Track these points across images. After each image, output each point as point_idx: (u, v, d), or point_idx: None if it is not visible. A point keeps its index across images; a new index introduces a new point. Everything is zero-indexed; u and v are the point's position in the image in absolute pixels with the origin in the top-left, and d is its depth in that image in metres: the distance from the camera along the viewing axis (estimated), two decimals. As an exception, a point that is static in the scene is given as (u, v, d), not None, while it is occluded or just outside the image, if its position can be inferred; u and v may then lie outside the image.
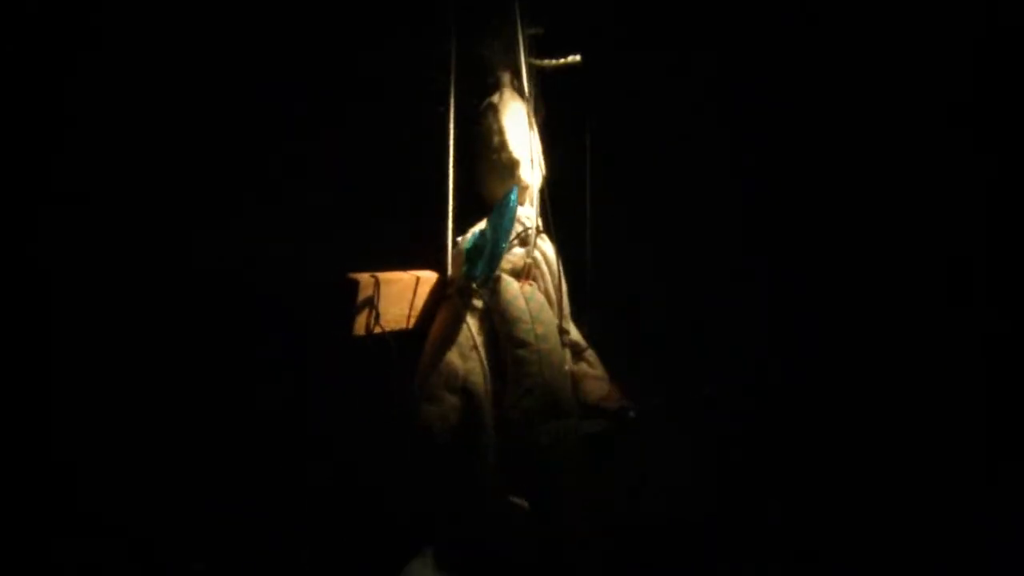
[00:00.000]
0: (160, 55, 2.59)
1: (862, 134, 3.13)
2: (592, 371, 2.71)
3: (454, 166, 2.50)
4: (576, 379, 2.69)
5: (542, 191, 2.68)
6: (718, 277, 3.20)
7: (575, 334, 2.71)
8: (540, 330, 2.45)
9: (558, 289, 2.56)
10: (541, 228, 2.57)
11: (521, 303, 2.46)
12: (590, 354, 2.73)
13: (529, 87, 2.66)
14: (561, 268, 2.58)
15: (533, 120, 2.63)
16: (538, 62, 2.68)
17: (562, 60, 2.69)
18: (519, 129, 2.59)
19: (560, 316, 2.57)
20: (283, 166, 2.69)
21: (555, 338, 2.48)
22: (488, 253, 2.45)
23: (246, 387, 2.65)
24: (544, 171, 2.69)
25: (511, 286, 2.49)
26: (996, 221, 2.96)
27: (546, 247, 2.56)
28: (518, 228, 2.55)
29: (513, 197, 2.49)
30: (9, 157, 2.50)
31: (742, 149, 3.17)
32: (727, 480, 2.99)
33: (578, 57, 2.70)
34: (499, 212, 2.46)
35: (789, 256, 3.18)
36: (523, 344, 2.42)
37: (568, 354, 2.61)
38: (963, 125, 2.96)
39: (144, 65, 2.58)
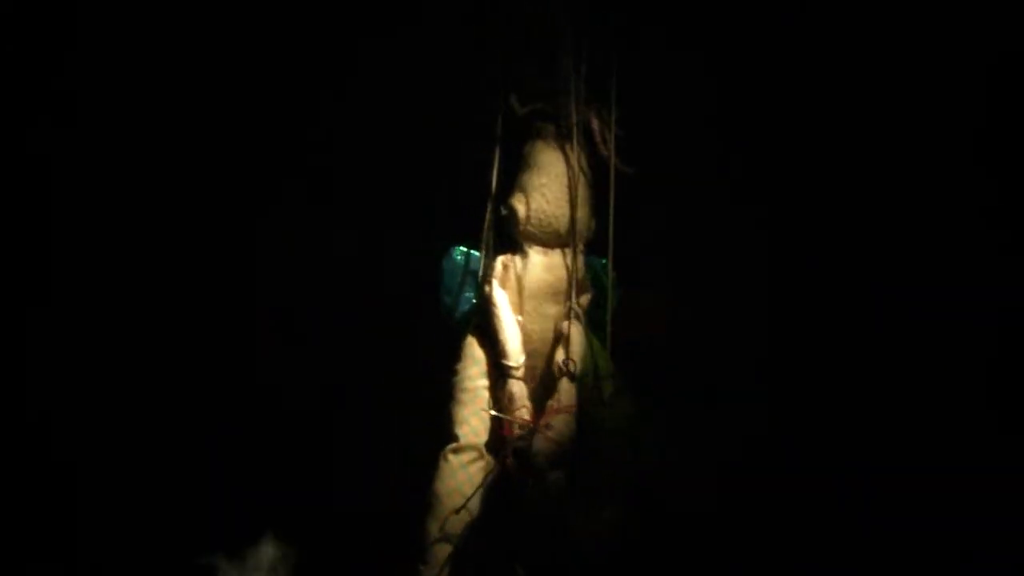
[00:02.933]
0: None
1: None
2: (552, 403, 2.84)
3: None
4: None
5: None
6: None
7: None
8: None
9: (493, 330, 2.87)
10: (490, 274, 2.91)
11: None
12: (562, 383, 2.83)
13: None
14: (496, 307, 2.87)
15: (566, 172, 2.91)
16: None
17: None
18: (534, 181, 2.91)
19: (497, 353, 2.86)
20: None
21: (464, 371, 2.87)
22: None
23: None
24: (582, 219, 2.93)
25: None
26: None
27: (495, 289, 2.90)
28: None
29: (453, 256, 2.97)
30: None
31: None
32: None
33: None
34: None
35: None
36: None
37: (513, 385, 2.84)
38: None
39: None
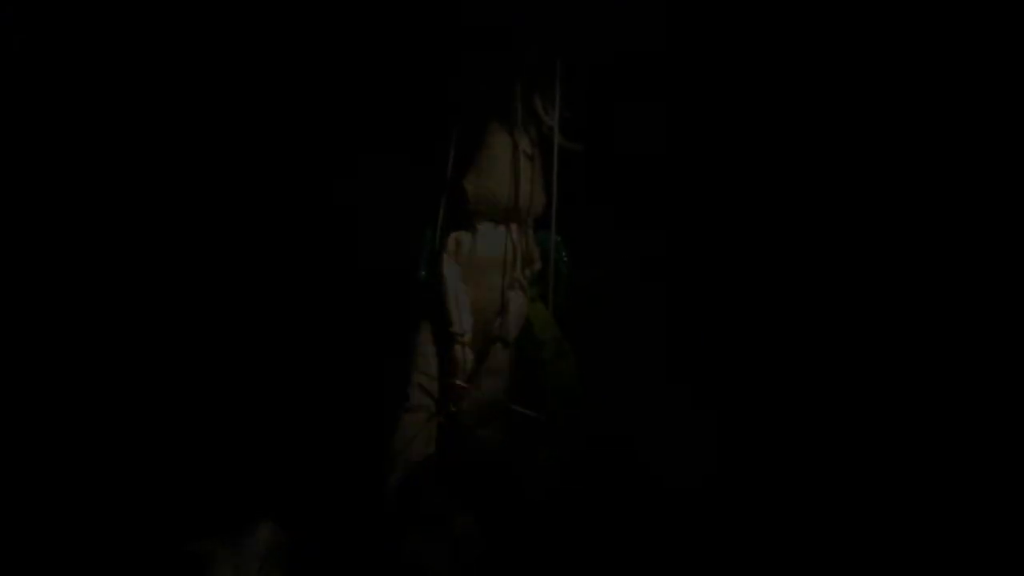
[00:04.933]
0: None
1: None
2: (484, 366, 3.03)
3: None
4: None
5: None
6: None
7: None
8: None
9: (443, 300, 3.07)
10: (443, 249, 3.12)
11: None
12: (495, 348, 3.04)
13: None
14: (446, 278, 3.07)
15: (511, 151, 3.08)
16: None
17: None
18: (480, 162, 3.09)
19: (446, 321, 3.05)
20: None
21: (418, 337, 3.08)
22: None
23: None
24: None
25: None
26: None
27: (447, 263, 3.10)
28: None
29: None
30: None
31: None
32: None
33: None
34: None
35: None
36: None
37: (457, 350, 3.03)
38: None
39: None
